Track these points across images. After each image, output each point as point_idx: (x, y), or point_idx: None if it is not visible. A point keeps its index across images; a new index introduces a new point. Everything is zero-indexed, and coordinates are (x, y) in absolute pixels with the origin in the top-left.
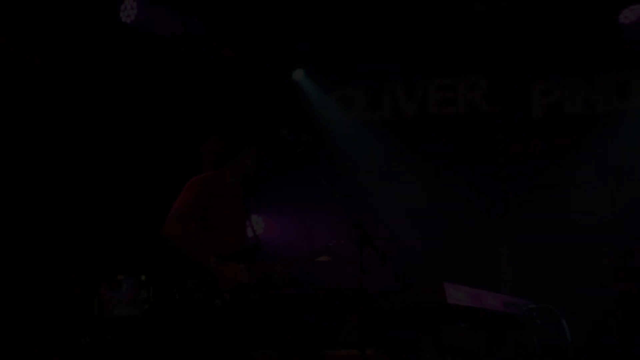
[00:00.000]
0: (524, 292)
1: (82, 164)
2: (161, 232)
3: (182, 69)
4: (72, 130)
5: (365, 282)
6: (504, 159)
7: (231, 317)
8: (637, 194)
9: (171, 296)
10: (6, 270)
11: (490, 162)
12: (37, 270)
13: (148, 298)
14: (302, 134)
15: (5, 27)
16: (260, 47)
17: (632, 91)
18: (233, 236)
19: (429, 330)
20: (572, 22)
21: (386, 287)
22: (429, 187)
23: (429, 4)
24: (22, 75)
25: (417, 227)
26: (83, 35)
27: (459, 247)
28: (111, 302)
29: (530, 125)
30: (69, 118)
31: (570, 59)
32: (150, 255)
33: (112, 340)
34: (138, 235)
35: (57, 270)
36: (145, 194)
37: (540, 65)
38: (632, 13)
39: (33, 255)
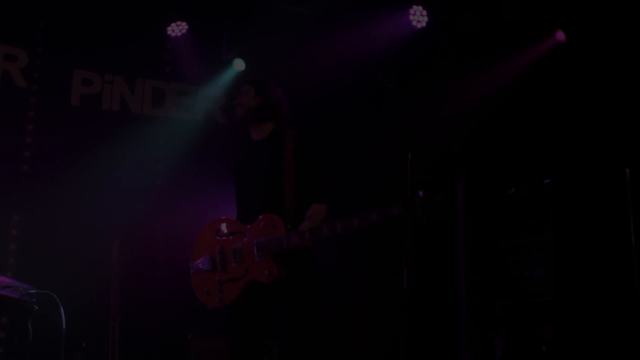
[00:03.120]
0: (30, 276)
1: None
2: None
3: None
4: None
5: None
6: (32, 139)
7: None
8: (143, 205)
9: None
10: None
11: (16, 140)
12: None
13: None
14: None
15: None
16: None
17: (167, 100)
18: None
19: None
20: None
21: None
22: None
23: None
24: None
25: None
26: None
27: None
28: None
29: (65, 111)
30: None
31: (114, 57)
32: None
33: None
34: None
35: None
36: None
37: (84, 53)
38: (178, 28)
39: None
